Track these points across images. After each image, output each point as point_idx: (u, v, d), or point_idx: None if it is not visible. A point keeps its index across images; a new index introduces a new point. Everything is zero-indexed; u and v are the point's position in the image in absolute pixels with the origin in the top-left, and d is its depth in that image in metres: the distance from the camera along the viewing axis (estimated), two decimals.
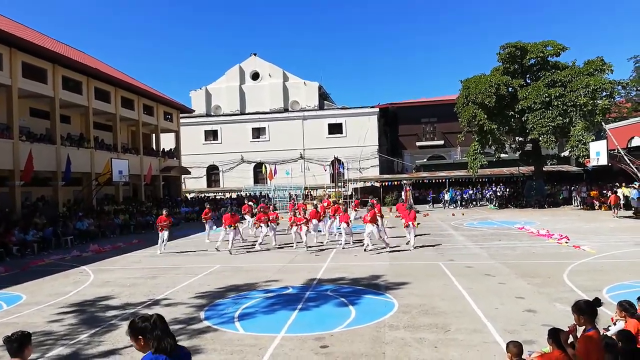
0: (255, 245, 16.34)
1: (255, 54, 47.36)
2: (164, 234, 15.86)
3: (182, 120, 39.67)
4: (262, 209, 18.17)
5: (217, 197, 39.80)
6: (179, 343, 6.43)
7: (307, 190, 40.93)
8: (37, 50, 21.65)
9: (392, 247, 14.42)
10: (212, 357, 6.00)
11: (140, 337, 2.97)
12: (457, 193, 35.37)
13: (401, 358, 5.72)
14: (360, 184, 40.36)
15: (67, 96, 24.11)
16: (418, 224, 15.29)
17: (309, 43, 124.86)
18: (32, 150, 20.49)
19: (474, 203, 35.71)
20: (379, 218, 15.36)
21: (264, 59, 47.20)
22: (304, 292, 9.25)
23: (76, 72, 24.79)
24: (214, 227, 19.25)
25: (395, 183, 37.73)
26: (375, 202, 16.95)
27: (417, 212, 28.14)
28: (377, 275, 10.66)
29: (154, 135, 35.28)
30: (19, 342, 3.18)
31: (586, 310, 3.90)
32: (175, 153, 36.85)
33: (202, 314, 7.98)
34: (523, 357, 4.21)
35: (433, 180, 38.47)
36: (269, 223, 16.52)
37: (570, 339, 4.02)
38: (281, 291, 9.49)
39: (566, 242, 14.53)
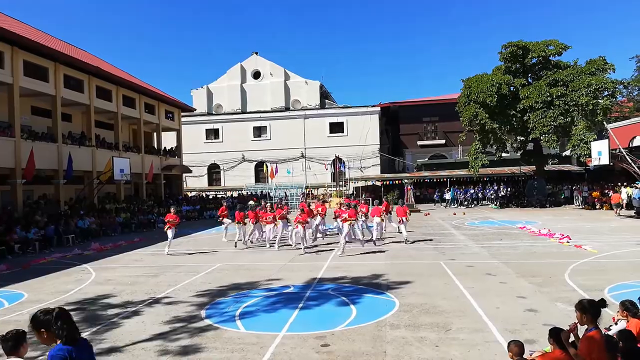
0: (273, 244, 16.13)
1: (256, 53, 47.39)
2: (171, 233, 15.34)
3: (183, 119, 39.69)
4: (280, 206, 18.53)
5: (217, 195, 39.83)
6: (181, 341, 6.50)
7: (308, 189, 40.90)
8: (38, 49, 21.67)
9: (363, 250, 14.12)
10: (213, 356, 6.01)
11: (43, 330, 3.05)
12: (459, 192, 35.38)
13: (402, 357, 5.72)
14: (361, 183, 40.37)
15: (68, 94, 24.14)
16: (407, 220, 16.02)
17: (309, 42, 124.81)
18: (34, 148, 20.55)
19: (475, 202, 35.67)
20: (360, 216, 16.00)
21: (265, 58, 47.25)
22: (305, 291, 9.25)
23: (77, 70, 24.82)
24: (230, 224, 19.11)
25: (397, 182, 37.72)
26: (359, 201, 17.32)
27: (418, 211, 28.46)
28: (378, 274, 10.66)
29: (155, 133, 35.29)
30: (14, 340, 3.19)
31: (589, 309, 3.90)
32: (176, 152, 36.89)
33: (203, 313, 7.99)
34: (524, 356, 4.21)
35: (434, 179, 38.47)
36: (276, 222, 16.56)
37: (572, 338, 4.02)
38: (282, 290, 9.49)
39: (567, 242, 14.50)
